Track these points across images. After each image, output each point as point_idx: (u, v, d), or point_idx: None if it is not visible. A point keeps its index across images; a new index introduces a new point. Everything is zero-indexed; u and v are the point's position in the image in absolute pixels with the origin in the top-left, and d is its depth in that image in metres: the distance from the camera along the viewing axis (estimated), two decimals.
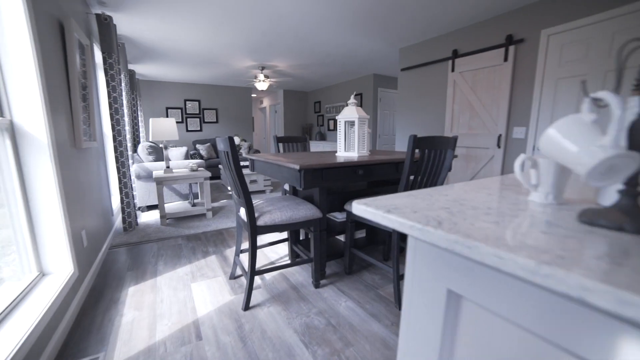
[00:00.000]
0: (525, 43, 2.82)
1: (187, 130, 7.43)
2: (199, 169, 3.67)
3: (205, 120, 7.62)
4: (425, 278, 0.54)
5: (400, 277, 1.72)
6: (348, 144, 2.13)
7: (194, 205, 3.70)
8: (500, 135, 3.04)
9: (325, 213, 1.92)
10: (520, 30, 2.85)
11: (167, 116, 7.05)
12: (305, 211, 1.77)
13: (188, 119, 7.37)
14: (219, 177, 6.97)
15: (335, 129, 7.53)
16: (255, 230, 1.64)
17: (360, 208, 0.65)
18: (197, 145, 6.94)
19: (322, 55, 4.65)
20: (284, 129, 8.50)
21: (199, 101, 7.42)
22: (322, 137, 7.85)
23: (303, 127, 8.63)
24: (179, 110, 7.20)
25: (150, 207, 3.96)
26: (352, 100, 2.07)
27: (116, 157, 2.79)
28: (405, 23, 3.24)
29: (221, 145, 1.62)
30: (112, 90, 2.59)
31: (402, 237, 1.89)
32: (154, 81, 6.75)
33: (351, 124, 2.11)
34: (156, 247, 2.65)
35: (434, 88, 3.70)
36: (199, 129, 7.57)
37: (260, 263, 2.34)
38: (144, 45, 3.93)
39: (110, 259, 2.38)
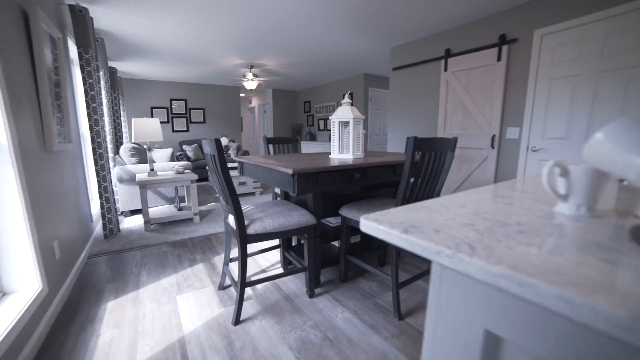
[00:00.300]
0: (519, 43, 2.80)
1: (174, 131, 7.19)
2: (185, 171, 3.52)
3: (192, 121, 7.41)
4: (455, 314, 0.45)
5: (399, 286, 1.64)
6: (342, 146, 2.03)
7: (180, 209, 3.54)
8: (494, 136, 3.01)
9: (320, 219, 1.82)
10: (513, 30, 2.82)
11: (152, 116, 6.80)
12: (299, 217, 1.66)
13: (174, 119, 7.13)
14: (206, 179, 6.77)
15: (325, 129, 7.43)
16: (245, 239, 1.53)
17: (371, 226, 0.55)
18: (184, 146, 6.73)
19: (311, 54, 4.55)
20: (273, 129, 8.36)
21: (185, 101, 7.20)
22: (312, 137, 7.75)
23: (293, 127, 8.51)
24: (165, 110, 6.96)
25: (134, 212, 3.77)
26: (346, 99, 1.98)
27: (95, 160, 2.61)
28: (397, 21, 3.18)
29: (207, 148, 1.50)
30: (89, 88, 2.41)
31: None
32: (138, 80, 6.50)
33: (345, 124, 2.02)
34: (139, 256, 2.49)
35: (427, 88, 3.66)
36: (185, 129, 7.35)
37: (250, 271, 2.22)
38: (125, 42, 3.73)
39: (88, 271, 2.21)
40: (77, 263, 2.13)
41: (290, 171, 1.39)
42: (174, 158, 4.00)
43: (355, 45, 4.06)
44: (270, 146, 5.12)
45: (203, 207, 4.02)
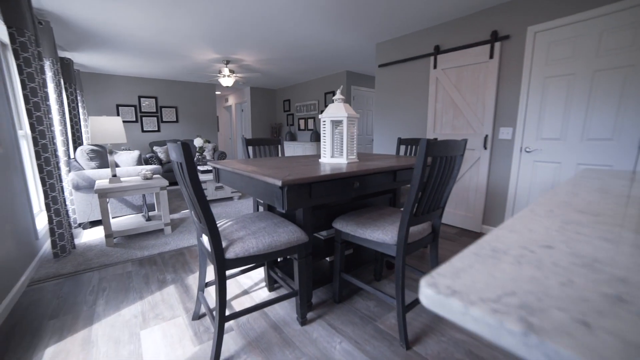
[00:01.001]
0: (511, 40, 2.70)
1: (143, 131, 6.64)
2: (155, 176, 3.14)
3: (164, 120, 6.89)
4: None
5: (406, 309, 1.43)
6: (334, 148, 1.80)
7: (148, 219, 3.15)
8: (486, 136, 2.90)
9: (312, 234, 1.57)
10: (505, 26, 2.72)
11: (119, 114, 6.22)
12: (288, 235, 1.41)
13: (143, 118, 6.58)
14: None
15: (306, 128, 7.17)
16: (223, 265, 1.25)
17: (449, 306, 0.32)
18: (155, 148, 6.23)
19: (292, 49, 4.28)
20: (252, 129, 7.99)
21: (155, 98, 6.67)
22: (293, 138, 7.47)
23: (272, 127, 8.18)
24: (133, 108, 6.40)
25: (96, 223, 3.33)
26: (338, 95, 1.74)
27: (40, 166, 2.20)
28: (383, 15, 2.99)
29: (173, 154, 1.21)
30: (28, 78, 2.00)
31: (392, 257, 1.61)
32: (101, 74, 5.90)
33: (337, 123, 1.78)
34: (97, 278, 2.12)
35: (415, 86, 3.51)
36: (156, 129, 6.81)
37: (231, 293, 1.93)
38: (79, 28, 3.27)
39: (27, 302, 1.82)
40: (10, 293, 1.74)
41: (278, 182, 1.13)
42: (142, 161, 3.59)
43: (338, 40, 3.84)
44: (250, 148, 4.70)
45: (176, 216, 3.64)
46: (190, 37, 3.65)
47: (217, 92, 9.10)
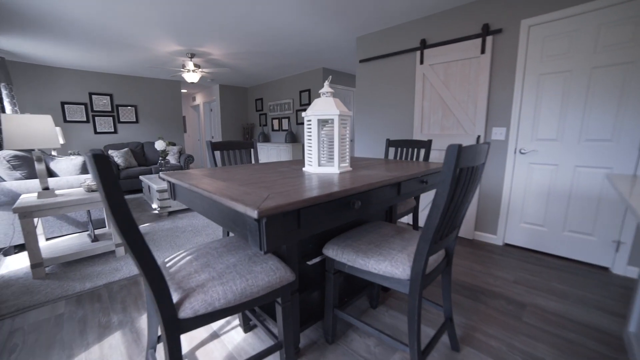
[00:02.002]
0: (504, 34, 2.52)
1: (96, 132, 5.88)
2: None
3: (121, 120, 6.16)
4: None
5: (422, 353, 1.12)
6: (320, 155, 1.46)
7: (95, 239, 2.61)
8: (478, 137, 2.70)
9: (298, 269, 1.22)
10: (497, 19, 2.53)
11: (65, 114, 5.43)
12: (267, 274, 1.05)
13: (96, 118, 5.83)
14: (139, 191, 5.64)
15: (280, 129, 6.76)
16: (175, 327, 0.86)
17: None
18: (111, 151, 5.51)
19: (264, 42, 3.88)
20: (222, 130, 7.43)
21: (110, 95, 5.94)
22: (266, 139, 7.03)
23: (244, 128, 7.67)
24: (83, 107, 5.63)
25: (23, 247, 2.72)
26: (326, 88, 1.40)
27: None
28: (365, 5, 2.70)
29: (90, 170, 0.80)
30: None
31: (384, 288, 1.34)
32: (41, 66, 5.09)
33: (324, 123, 1.45)
34: (8, 329, 1.61)
35: (400, 83, 3.26)
36: (112, 130, 6.07)
37: (194, 337, 1.52)
38: (3, 5, 2.66)
39: None
40: None
41: (253, 213, 0.76)
42: (86, 168, 3.01)
43: (315, 32, 3.51)
44: (217, 153, 4.00)
45: None
46: (147, 24, 3.14)
47: (183, 90, 8.40)
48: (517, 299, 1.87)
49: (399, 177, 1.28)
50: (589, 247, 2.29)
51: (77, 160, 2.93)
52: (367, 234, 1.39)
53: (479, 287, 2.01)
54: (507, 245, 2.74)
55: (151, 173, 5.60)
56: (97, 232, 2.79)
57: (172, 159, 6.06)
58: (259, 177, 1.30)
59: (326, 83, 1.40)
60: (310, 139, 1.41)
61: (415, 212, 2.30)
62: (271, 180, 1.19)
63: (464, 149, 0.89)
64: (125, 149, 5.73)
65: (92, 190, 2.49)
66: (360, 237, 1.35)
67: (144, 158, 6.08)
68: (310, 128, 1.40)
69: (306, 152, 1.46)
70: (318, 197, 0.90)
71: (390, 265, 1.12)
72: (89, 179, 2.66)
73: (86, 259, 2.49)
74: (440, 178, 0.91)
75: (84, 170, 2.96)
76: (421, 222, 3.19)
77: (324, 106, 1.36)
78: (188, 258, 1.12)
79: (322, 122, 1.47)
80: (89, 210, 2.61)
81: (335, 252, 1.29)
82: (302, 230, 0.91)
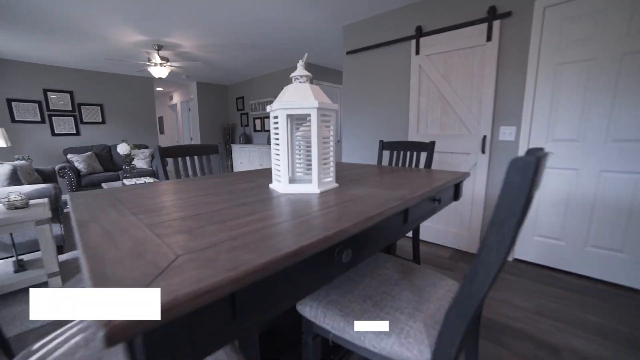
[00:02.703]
0: (514, 17, 2.16)
1: (54, 134, 5.25)
2: (34, 202, 2.10)
3: (84, 120, 5.55)
4: None
5: None
6: (294, 166, 1.04)
7: (21, 267, 2.10)
8: (484, 137, 2.35)
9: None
10: (506, 0, 2.18)
11: (12, 113, 4.79)
12: None
13: (54, 118, 5.20)
14: None
15: (263, 129, 6.28)
16: None
17: None
18: (70, 156, 4.92)
19: (241, 33, 3.42)
20: (201, 131, 6.89)
21: (71, 93, 5.32)
22: (248, 140, 6.56)
23: (224, 128, 7.15)
24: (36, 105, 4.99)
25: None
26: (300, 71, 0.98)
27: None
28: None
29: None
30: None
31: None
32: None
33: (300, 120, 1.03)
34: None
35: (393, 76, 2.87)
36: (74, 131, 5.46)
37: None
38: None
39: None
40: None
41: (103, 330, 0.33)
42: (19, 178, 2.48)
43: (297, 22, 3.08)
44: (170, 161, 3.34)
45: (71, 256, 2.59)
46: (102, 8, 2.63)
47: (158, 88, 7.80)
48: (547, 340, 1.50)
49: (405, 199, 0.87)
50: (618, 266, 1.95)
51: (3, 168, 2.39)
52: (359, 279, 0.98)
53: (498, 323, 1.63)
54: (516, 260, 2.39)
55: (119, 179, 5.04)
56: (25, 257, 2.27)
57: (142, 163, 5.50)
58: (202, 200, 0.86)
59: (300, 63, 0.98)
60: (278, 144, 0.97)
61: (415, 232, 1.86)
62: (212, 212, 0.76)
63: (540, 156, 0.49)
64: (89, 152, 5.14)
65: (17, 207, 1.98)
66: (350, 287, 0.93)
67: (112, 162, 5.50)
68: (277, 127, 0.96)
69: (273, 161, 1.03)
70: (274, 261, 0.48)
71: (399, 342, 0.71)
72: (12, 192, 2.14)
73: (7, 295, 1.97)
74: (497, 216, 0.50)
75: (13, 180, 2.43)
76: (422, 232, 2.80)
77: (297, 96, 0.94)
78: None
79: (296, 120, 1.04)
80: (11, 233, 2.09)
81: (315, 313, 0.86)
82: (242, 323, 0.48)
